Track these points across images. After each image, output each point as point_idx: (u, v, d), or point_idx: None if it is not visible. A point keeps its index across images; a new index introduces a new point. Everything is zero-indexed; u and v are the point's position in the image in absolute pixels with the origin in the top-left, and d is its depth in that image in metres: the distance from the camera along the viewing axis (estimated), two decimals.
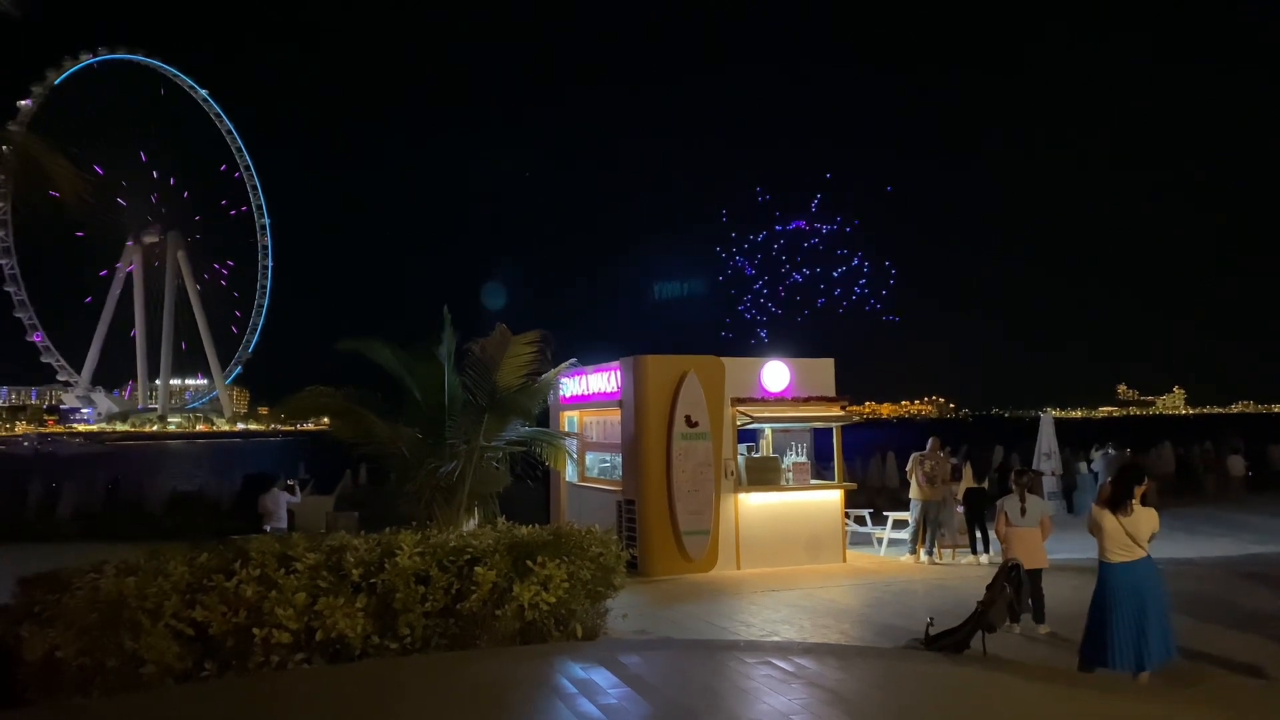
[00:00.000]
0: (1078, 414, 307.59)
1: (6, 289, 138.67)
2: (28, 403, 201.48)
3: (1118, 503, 7.50)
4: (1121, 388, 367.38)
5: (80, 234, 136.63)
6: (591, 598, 8.62)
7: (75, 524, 21.35)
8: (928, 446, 15.14)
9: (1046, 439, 22.22)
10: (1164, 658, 7.38)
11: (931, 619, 8.38)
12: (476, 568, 7.98)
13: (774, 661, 7.60)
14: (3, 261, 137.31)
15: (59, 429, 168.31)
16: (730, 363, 14.63)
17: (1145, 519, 7.50)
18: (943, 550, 14.91)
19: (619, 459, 14.85)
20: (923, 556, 14.82)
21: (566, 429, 16.48)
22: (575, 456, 15.84)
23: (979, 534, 14.84)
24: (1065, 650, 8.44)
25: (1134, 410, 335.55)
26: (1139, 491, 7.53)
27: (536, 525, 9.39)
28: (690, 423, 13.89)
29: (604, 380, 15.30)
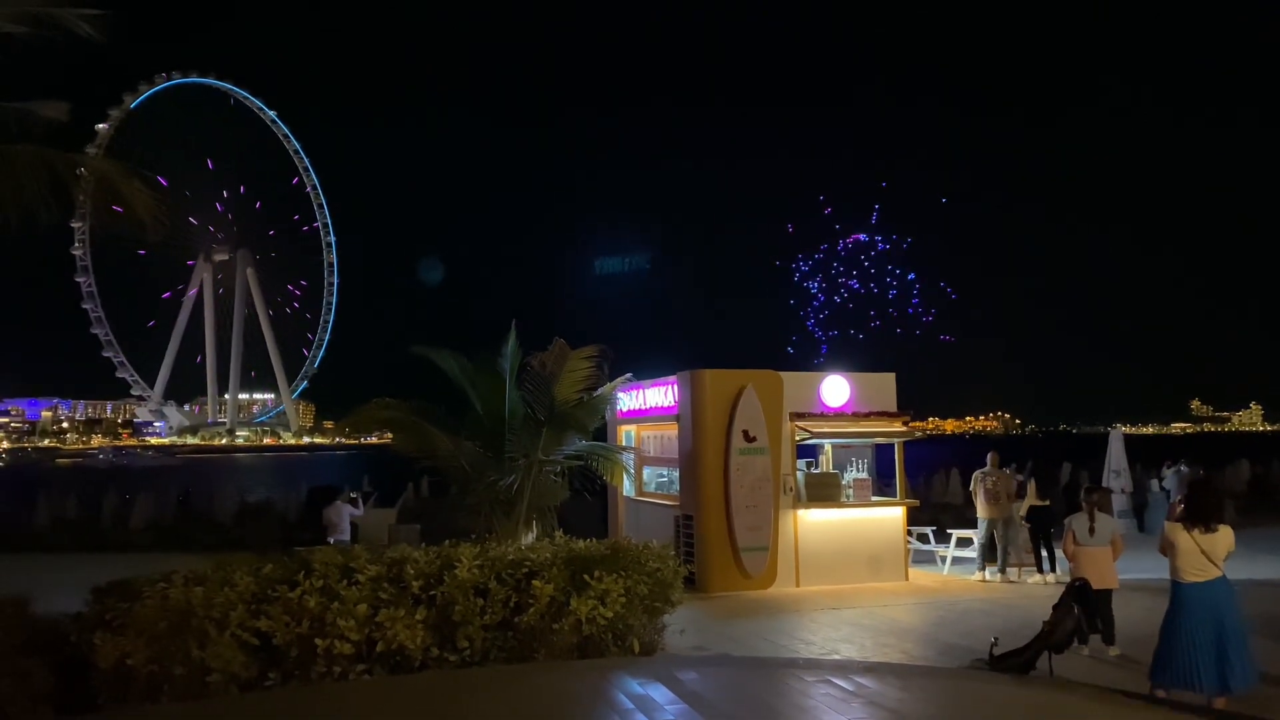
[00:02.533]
0: (1149, 430, 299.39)
1: (84, 306, 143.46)
2: (103, 416, 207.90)
3: (1199, 518, 7.26)
4: (1195, 403, 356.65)
5: (143, 252, 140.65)
6: (649, 613, 8.59)
7: (148, 534, 21.97)
8: (987, 462, 14.87)
9: (1116, 456, 21.68)
10: (1245, 683, 7.11)
11: (996, 639, 8.21)
12: (534, 581, 8.02)
13: (834, 680, 7.50)
14: (81, 280, 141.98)
15: (133, 442, 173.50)
16: (789, 377, 14.52)
17: (1222, 538, 7.25)
18: (1009, 569, 14.60)
19: (676, 474, 14.82)
20: (989, 575, 14.52)
21: (623, 443, 16.51)
22: (632, 471, 15.85)
23: (1045, 552, 14.52)
24: (1136, 672, 8.18)
25: (1208, 426, 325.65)
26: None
27: (594, 539, 9.41)
28: (748, 438, 13.81)
29: (661, 395, 15.29)
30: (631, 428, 16.80)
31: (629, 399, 16.40)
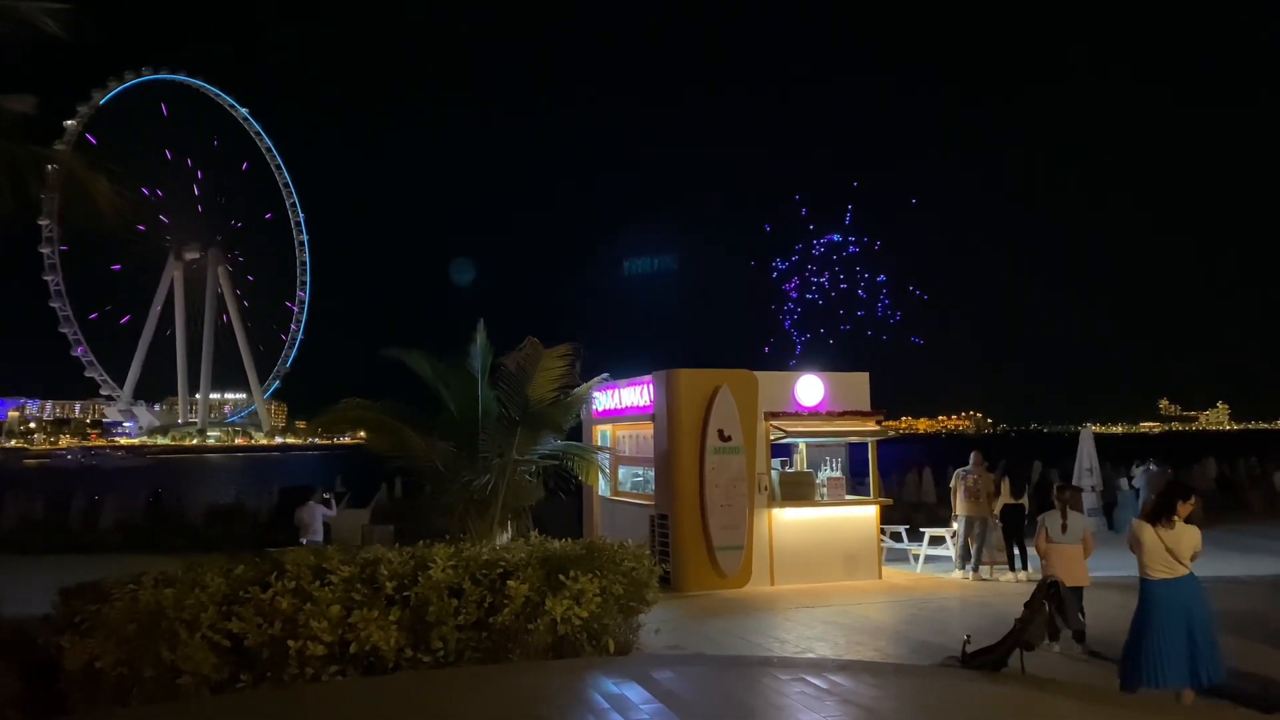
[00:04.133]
0: (1119, 429, 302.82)
1: (53, 304, 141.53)
2: (71, 416, 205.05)
3: (1158, 515, 7.36)
4: (1164, 403, 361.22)
5: (117, 267, 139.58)
6: (624, 612, 8.59)
7: (117, 535, 21.69)
8: (970, 461, 14.97)
9: (1087, 454, 21.91)
10: (1214, 677, 7.21)
11: (969, 636, 8.26)
12: (509, 581, 8.00)
13: (808, 678, 7.53)
14: (49, 278, 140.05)
15: (101, 442, 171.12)
16: (763, 377, 14.57)
17: (1187, 536, 7.34)
18: (982, 567, 14.71)
19: (652, 473, 14.82)
20: (967, 572, 14.63)
21: (599, 443, 16.49)
22: (608, 471, 15.84)
23: (1017, 550, 14.65)
24: (1106, 669, 8.29)
25: (1176, 426, 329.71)
26: (1184, 509, 7.37)
27: (569, 539, 9.39)
28: (723, 437, 13.84)
29: (636, 394, 15.29)
30: (607, 427, 16.79)
31: (605, 398, 16.38)
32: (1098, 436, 23.35)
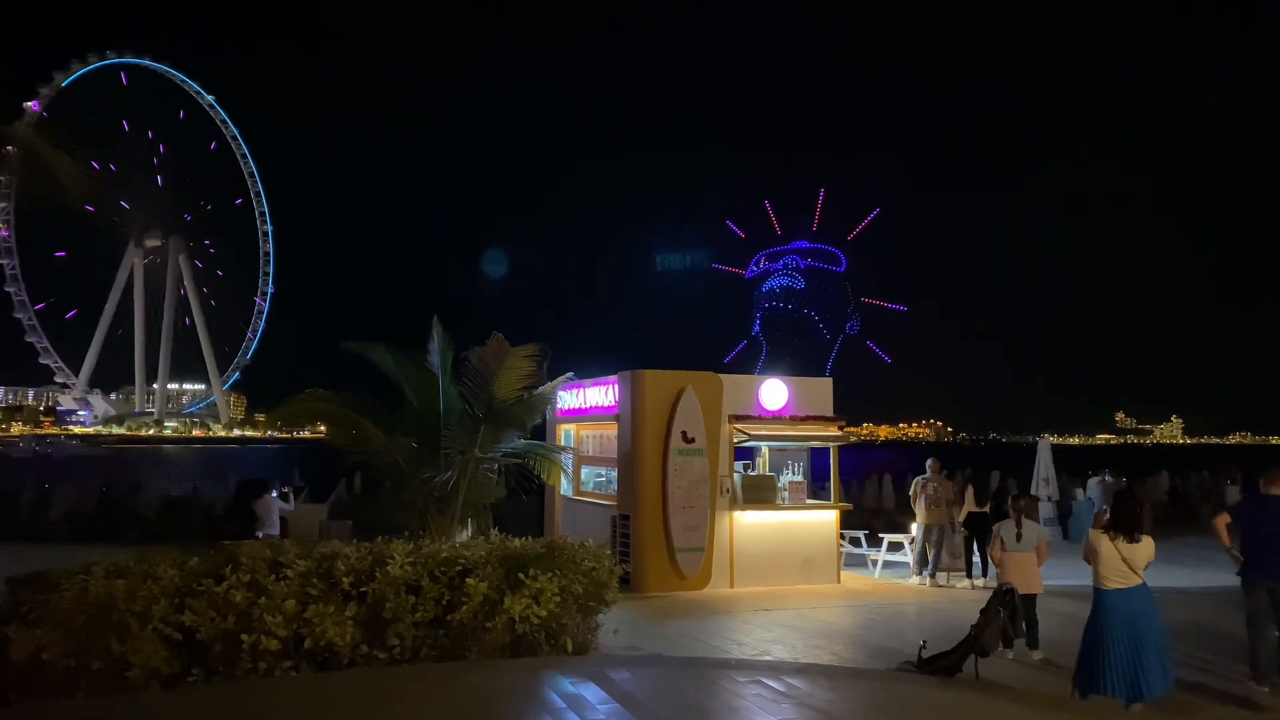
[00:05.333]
0: (1075, 440, 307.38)
1: (7, 289, 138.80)
2: (24, 403, 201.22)
3: (1123, 529, 7.45)
4: (1120, 415, 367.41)
5: (62, 254, 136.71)
6: (583, 612, 8.56)
7: (68, 525, 21.33)
8: (927, 469, 15.10)
9: (1044, 464, 22.19)
10: (1162, 688, 7.32)
11: (924, 642, 8.33)
12: (468, 579, 7.94)
13: (765, 681, 7.54)
14: (4, 262, 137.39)
15: (55, 430, 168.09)
16: (728, 379, 14.60)
17: (1143, 547, 7.46)
18: (939, 574, 14.84)
19: (614, 473, 14.81)
20: (924, 578, 14.75)
21: (563, 442, 16.45)
22: (570, 470, 15.80)
23: (977, 558, 14.79)
24: (1059, 676, 8.39)
25: (1131, 438, 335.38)
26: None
27: (530, 538, 9.35)
28: (687, 439, 13.85)
29: (601, 394, 15.27)
30: (571, 427, 16.75)
31: (570, 397, 16.35)
32: (1055, 447, 23.67)
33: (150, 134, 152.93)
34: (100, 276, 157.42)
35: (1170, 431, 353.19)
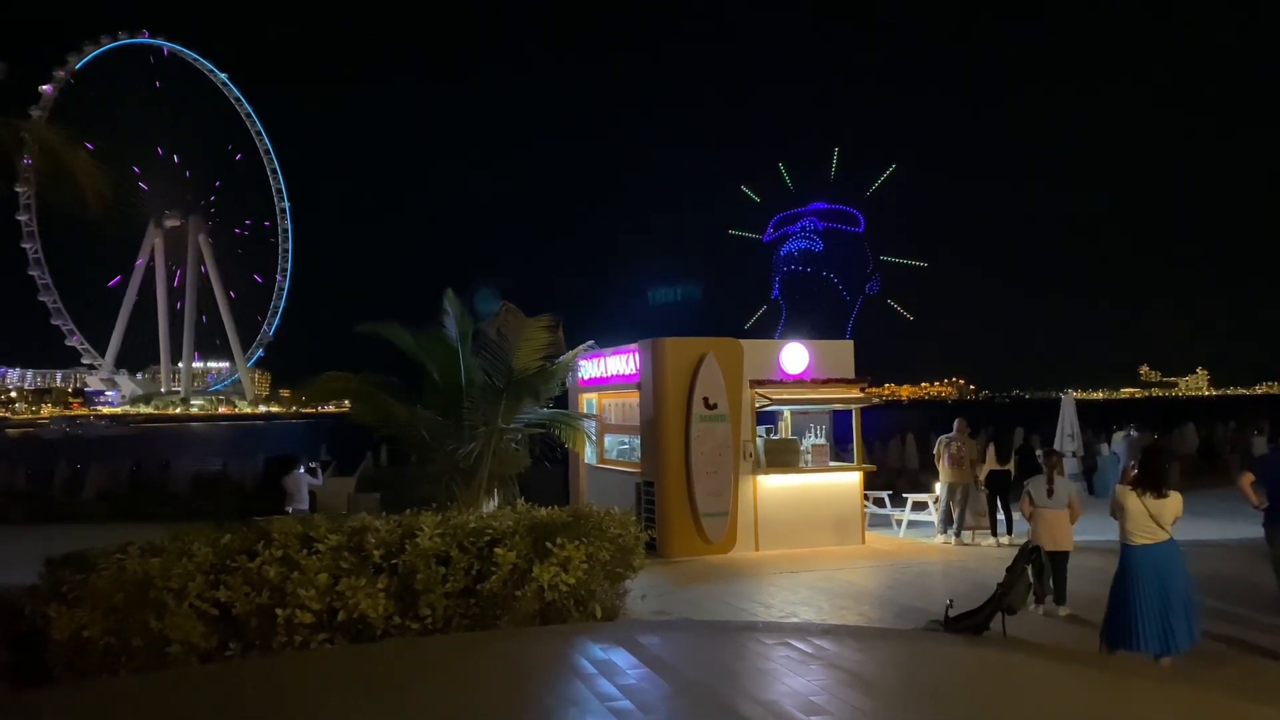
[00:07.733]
0: (1099, 395, 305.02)
1: (31, 273, 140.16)
2: (53, 385, 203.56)
3: (1151, 484, 7.43)
4: (1144, 368, 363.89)
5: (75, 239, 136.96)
6: (610, 579, 8.64)
7: (101, 505, 21.65)
8: (954, 428, 15.06)
9: (1069, 420, 22.08)
10: (1189, 642, 7.33)
11: (951, 601, 8.35)
12: (496, 549, 8.02)
13: (793, 643, 7.60)
14: (27, 246, 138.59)
15: (84, 411, 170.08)
16: (749, 345, 14.59)
17: (1170, 503, 7.44)
18: (964, 532, 14.85)
19: (637, 441, 14.85)
20: (949, 537, 14.76)
21: (585, 411, 16.50)
22: (594, 438, 15.86)
23: (1001, 515, 14.78)
24: (1087, 632, 8.40)
25: (1156, 392, 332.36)
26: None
27: (556, 507, 9.41)
28: (709, 405, 13.87)
29: (622, 362, 15.29)
30: (593, 395, 16.80)
31: (591, 367, 16.38)
32: (1079, 403, 23.53)
33: (165, 114, 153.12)
34: (123, 258, 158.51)
35: (1196, 384, 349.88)
